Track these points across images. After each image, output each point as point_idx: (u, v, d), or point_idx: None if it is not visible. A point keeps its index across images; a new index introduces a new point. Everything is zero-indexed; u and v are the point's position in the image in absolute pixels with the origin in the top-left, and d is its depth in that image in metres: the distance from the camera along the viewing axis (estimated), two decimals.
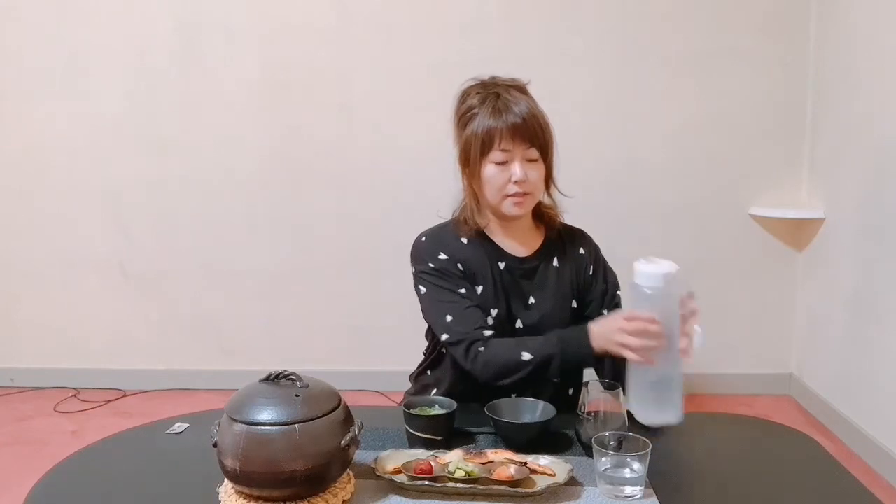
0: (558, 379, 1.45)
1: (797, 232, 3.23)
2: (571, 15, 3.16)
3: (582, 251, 1.61)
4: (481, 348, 1.44)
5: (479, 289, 1.53)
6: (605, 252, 1.66)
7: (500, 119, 1.44)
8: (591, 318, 1.51)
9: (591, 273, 1.60)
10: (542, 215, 1.60)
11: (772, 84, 3.17)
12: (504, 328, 1.51)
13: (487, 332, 1.46)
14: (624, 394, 1.26)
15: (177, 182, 3.36)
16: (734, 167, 3.23)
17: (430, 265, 1.52)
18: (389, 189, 3.27)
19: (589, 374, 1.47)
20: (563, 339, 1.42)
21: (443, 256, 1.53)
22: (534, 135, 1.45)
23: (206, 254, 3.40)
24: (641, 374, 1.27)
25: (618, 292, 1.60)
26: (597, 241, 1.68)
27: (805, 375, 3.22)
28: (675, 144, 3.23)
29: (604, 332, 1.36)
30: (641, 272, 1.24)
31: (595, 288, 1.59)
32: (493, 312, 1.51)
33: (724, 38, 3.15)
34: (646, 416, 1.25)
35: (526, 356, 1.41)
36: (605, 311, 1.56)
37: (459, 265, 1.52)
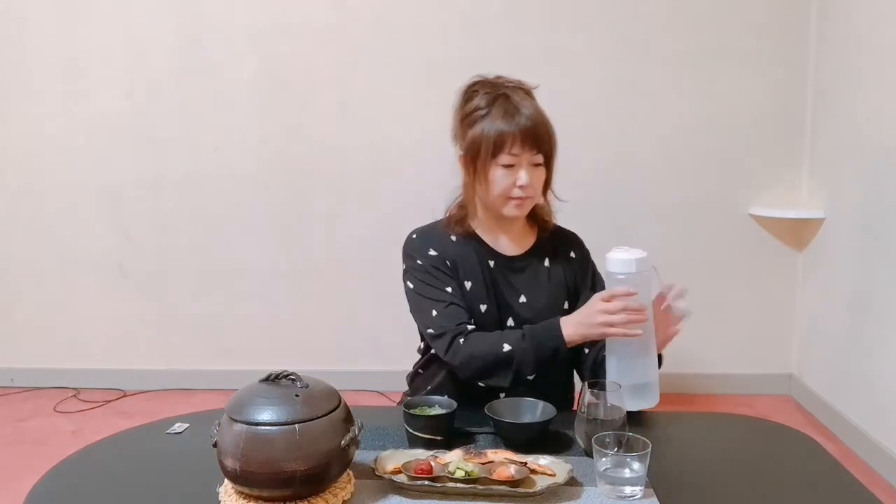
0: (532, 376, 1.43)
1: (797, 232, 3.23)
2: (571, 15, 3.16)
3: (573, 255, 1.63)
4: (462, 340, 1.44)
5: (469, 284, 1.53)
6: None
7: (512, 123, 1.43)
8: None
9: (581, 278, 1.62)
10: (536, 216, 1.61)
11: (772, 84, 3.17)
12: (496, 325, 1.51)
13: (470, 327, 1.47)
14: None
15: (176, 182, 3.36)
16: (734, 167, 3.23)
17: (419, 262, 1.54)
18: (389, 189, 3.27)
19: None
20: (531, 331, 1.44)
21: (432, 253, 1.54)
22: (542, 140, 1.46)
23: (206, 253, 3.41)
24: (621, 362, 1.34)
25: None
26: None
27: (805, 375, 3.22)
28: (675, 144, 3.23)
29: (583, 319, 1.39)
30: (614, 260, 1.34)
31: (584, 294, 1.59)
32: (483, 308, 1.51)
33: (723, 38, 3.15)
34: (626, 403, 1.24)
35: (506, 347, 1.42)
36: None
37: (448, 262, 1.53)
